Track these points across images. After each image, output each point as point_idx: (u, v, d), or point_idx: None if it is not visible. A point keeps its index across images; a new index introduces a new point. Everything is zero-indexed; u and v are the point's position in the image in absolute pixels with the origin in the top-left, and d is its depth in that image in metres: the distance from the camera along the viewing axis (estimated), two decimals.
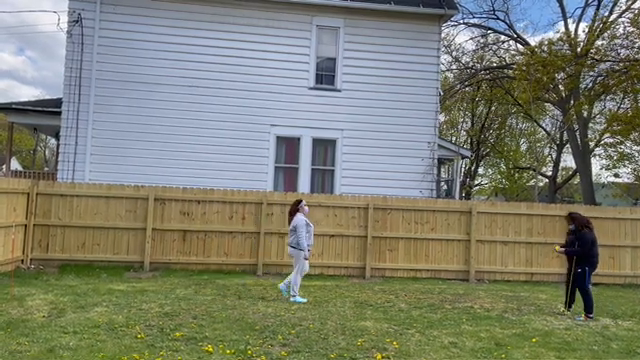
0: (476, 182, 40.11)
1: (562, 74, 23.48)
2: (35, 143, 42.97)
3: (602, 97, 25.35)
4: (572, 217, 8.66)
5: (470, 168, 36.15)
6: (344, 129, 14.74)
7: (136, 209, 11.47)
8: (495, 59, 31.01)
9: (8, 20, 72.52)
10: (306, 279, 11.05)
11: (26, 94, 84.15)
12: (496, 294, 10.28)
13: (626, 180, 32.07)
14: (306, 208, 9.17)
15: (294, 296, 8.76)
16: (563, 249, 8.52)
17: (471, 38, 41.28)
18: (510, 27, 28.19)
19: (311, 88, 14.75)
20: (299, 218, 8.87)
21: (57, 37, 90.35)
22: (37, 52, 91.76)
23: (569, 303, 8.67)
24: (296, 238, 8.75)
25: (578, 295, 8.55)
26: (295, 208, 9.07)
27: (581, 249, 8.37)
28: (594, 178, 29.89)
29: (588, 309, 8.33)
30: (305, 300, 8.76)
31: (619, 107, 26.49)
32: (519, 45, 28.66)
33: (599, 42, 22.44)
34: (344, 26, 14.89)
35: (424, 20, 15.11)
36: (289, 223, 9.08)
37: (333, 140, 14.78)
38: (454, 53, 31.43)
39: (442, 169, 24.07)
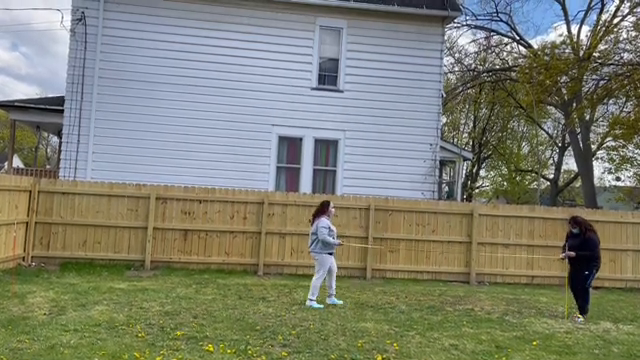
0: (478, 184, 40.09)
1: (565, 77, 23.46)
2: (37, 141, 42.99)
3: (605, 101, 25.33)
4: (577, 221, 8.63)
5: (472, 170, 36.14)
6: (346, 130, 14.75)
7: (137, 208, 11.47)
8: (498, 61, 31.00)
9: (1, 17, 72.53)
10: (307, 279, 11.02)
11: (21, 90, 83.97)
12: (497, 296, 10.26)
13: (628, 184, 32.03)
14: (332, 210, 8.73)
15: (311, 300, 8.37)
16: (573, 252, 8.44)
17: (473, 40, 41.24)
18: (513, 29, 28.17)
19: (313, 88, 14.75)
20: (321, 220, 8.42)
21: (51, 33, 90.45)
22: (31, 48, 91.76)
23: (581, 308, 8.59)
24: (317, 243, 8.37)
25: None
26: (320, 209, 8.60)
27: (591, 252, 8.38)
28: (596, 181, 29.85)
29: (586, 310, 8.44)
30: (322, 307, 8.27)
31: (621, 111, 26.47)
32: (521, 47, 28.66)
33: (602, 46, 22.42)
34: (347, 27, 14.89)
35: (427, 22, 15.12)
36: (312, 225, 8.61)
37: (335, 141, 14.79)
38: (457, 55, 31.43)
39: (444, 171, 24.05)
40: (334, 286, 8.74)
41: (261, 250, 11.68)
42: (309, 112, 14.62)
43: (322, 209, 8.64)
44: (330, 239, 8.37)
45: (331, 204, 8.76)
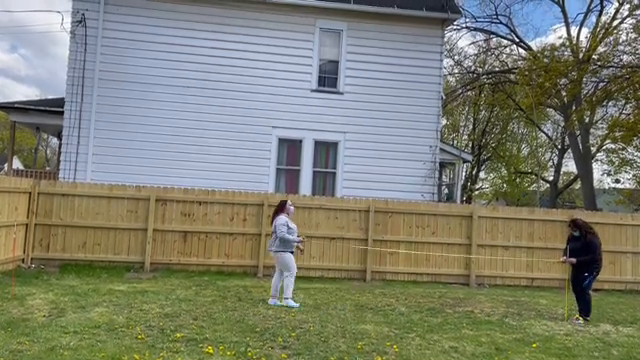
0: (477, 186, 40.08)
1: (564, 79, 23.49)
2: (37, 142, 43.01)
3: (604, 103, 25.36)
4: (577, 224, 8.63)
5: (471, 172, 36.15)
6: (346, 132, 14.76)
7: (137, 209, 11.47)
8: (497, 63, 31.03)
9: (0, 18, 72.55)
10: (306, 281, 11.06)
11: (21, 92, 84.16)
12: (496, 299, 10.26)
13: (628, 186, 32.04)
14: (291, 208, 8.64)
15: (287, 298, 8.32)
16: (574, 259, 8.44)
17: (473, 42, 41.28)
18: (512, 31, 28.24)
19: (313, 90, 14.77)
20: (279, 218, 8.38)
21: (51, 35, 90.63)
22: (31, 50, 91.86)
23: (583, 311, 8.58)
24: (276, 241, 8.29)
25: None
26: (278, 208, 8.58)
27: (592, 255, 8.37)
28: (596, 183, 29.86)
29: (587, 312, 8.43)
30: (298, 305, 8.28)
31: (621, 113, 26.51)
32: (521, 50, 28.71)
33: (601, 48, 22.45)
34: (347, 29, 14.92)
35: (427, 24, 15.13)
36: (271, 225, 8.53)
37: (335, 142, 14.80)
38: (456, 57, 31.48)
39: (443, 173, 24.05)
40: (279, 288, 8.54)
41: (261, 252, 11.67)
42: (309, 114, 14.64)
43: (280, 208, 8.62)
44: (289, 236, 8.29)
45: (289, 202, 8.70)
